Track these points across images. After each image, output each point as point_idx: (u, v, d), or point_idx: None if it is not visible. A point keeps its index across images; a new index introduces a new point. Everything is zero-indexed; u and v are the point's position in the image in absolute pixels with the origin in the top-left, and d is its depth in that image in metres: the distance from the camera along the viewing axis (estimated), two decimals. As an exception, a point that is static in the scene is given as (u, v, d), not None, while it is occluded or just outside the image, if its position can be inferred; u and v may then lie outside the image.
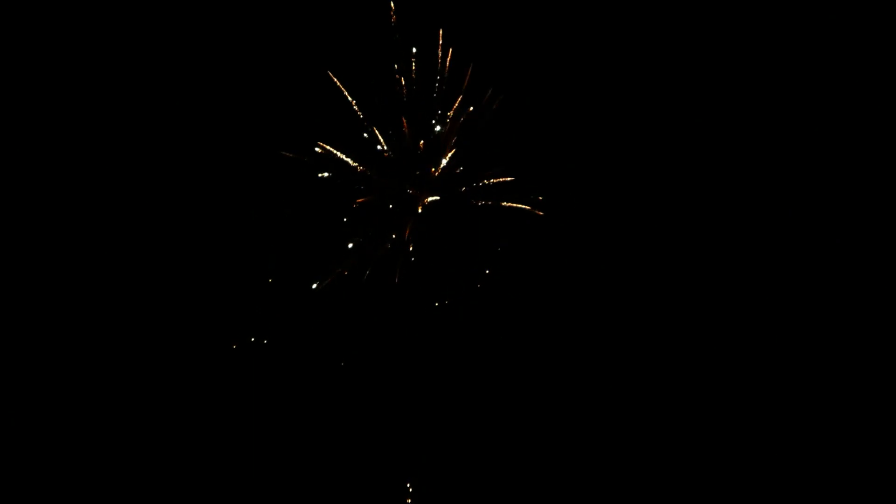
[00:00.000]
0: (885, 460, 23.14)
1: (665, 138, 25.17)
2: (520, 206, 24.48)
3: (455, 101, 24.74)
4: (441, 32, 24.35)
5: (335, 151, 24.69)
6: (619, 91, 25.11)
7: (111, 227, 23.54)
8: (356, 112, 24.70)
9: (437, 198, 25.15)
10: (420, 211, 24.73)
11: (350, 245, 25.03)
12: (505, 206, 24.47)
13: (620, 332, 24.67)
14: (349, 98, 24.63)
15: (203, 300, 23.71)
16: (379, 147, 24.98)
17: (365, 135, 24.78)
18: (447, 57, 24.48)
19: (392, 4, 24.06)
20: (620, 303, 24.86)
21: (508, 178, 24.70)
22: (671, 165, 25.22)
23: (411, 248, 24.71)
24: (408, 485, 23.46)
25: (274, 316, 24.22)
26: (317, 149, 24.43)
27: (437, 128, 24.64)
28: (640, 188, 25.29)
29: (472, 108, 24.52)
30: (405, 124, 24.80)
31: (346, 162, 24.79)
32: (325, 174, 24.75)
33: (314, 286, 24.85)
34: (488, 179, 24.72)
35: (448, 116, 24.79)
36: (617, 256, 25.19)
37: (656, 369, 24.33)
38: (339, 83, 24.53)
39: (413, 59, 24.58)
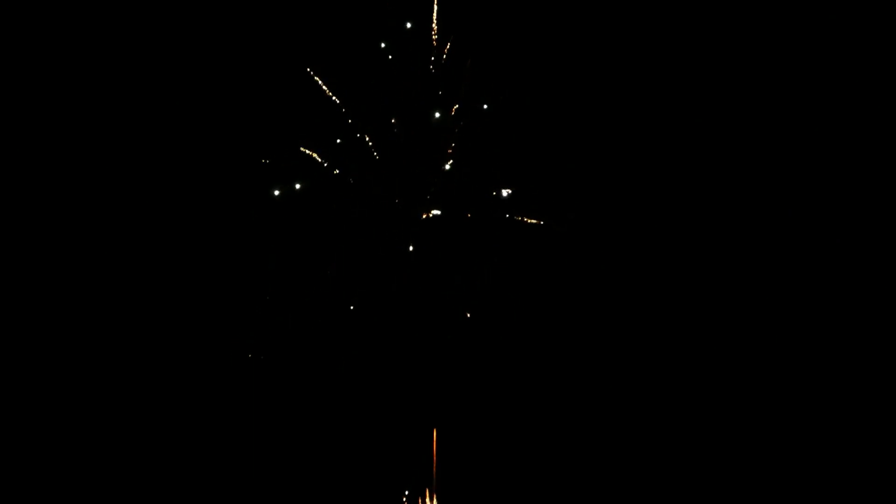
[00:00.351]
0: (885, 460, 22.97)
1: (667, 138, 23.99)
2: (544, 222, 21.23)
3: (455, 94, 21.74)
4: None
5: (313, 154, 21.60)
6: (633, 87, 23.42)
7: (92, 231, 22.66)
8: (336, 104, 21.61)
9: (438, 212, 21.79)
10: (412, 248, 21.40)
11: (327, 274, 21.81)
12: (529, 223, 21.26)
13: (628, 347, 23.45)
14: (326, 89, 21.50)
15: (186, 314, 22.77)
16: (360, 147, 21.79)
17: (338, 140, 21.70)
18: (445, 42, 21.68)
19: None
20: (628, 316, 23.59)
21: (528, 188, 21.88)
22: (673, 166, 24.12)
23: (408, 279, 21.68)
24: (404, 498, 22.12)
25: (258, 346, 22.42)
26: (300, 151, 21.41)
27: (437, 115, 21.50)
28: (646, 190, 23.95)
29: (484, 106, 21.69)
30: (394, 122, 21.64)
31: (327, 168, 21.68)
32: (298, 185, 21.59)
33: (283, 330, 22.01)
34: (503, 189, 21.36)
35: (451, 111, 21.73)
36: (626, 268, 23.70)
37: (662, 376, 23.30)
38: (312, 73, 21.35)
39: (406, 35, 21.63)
